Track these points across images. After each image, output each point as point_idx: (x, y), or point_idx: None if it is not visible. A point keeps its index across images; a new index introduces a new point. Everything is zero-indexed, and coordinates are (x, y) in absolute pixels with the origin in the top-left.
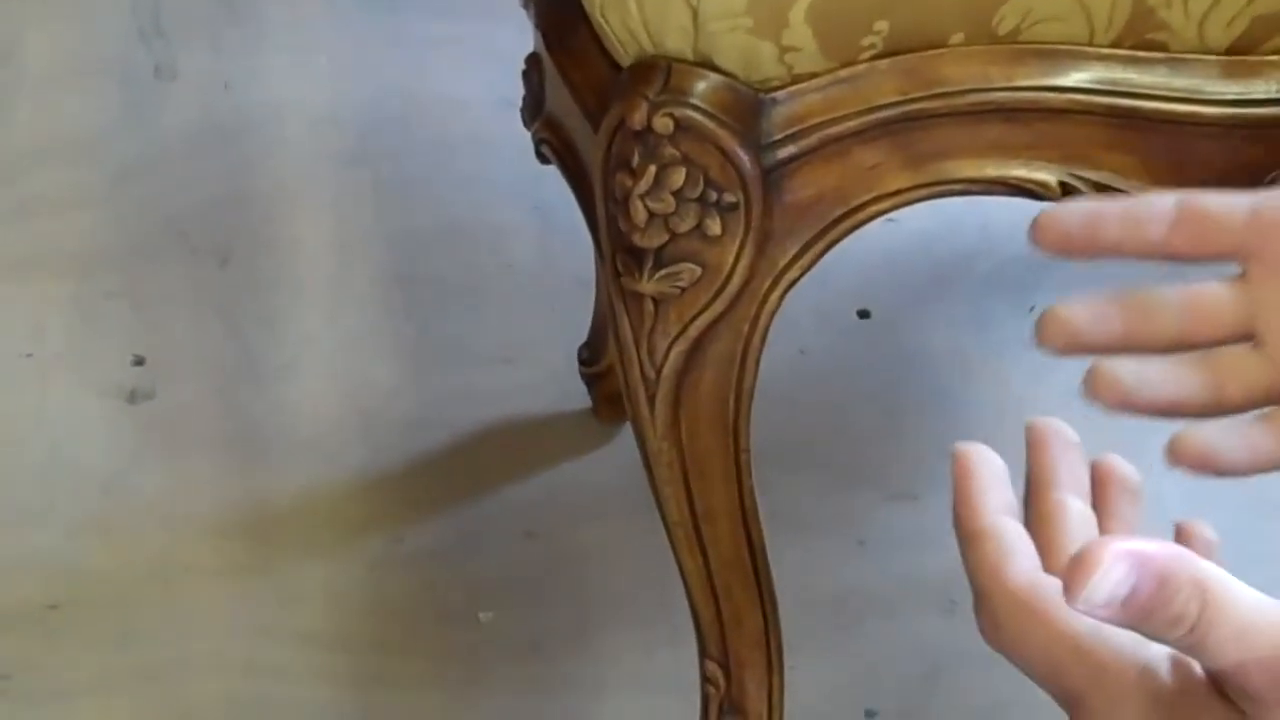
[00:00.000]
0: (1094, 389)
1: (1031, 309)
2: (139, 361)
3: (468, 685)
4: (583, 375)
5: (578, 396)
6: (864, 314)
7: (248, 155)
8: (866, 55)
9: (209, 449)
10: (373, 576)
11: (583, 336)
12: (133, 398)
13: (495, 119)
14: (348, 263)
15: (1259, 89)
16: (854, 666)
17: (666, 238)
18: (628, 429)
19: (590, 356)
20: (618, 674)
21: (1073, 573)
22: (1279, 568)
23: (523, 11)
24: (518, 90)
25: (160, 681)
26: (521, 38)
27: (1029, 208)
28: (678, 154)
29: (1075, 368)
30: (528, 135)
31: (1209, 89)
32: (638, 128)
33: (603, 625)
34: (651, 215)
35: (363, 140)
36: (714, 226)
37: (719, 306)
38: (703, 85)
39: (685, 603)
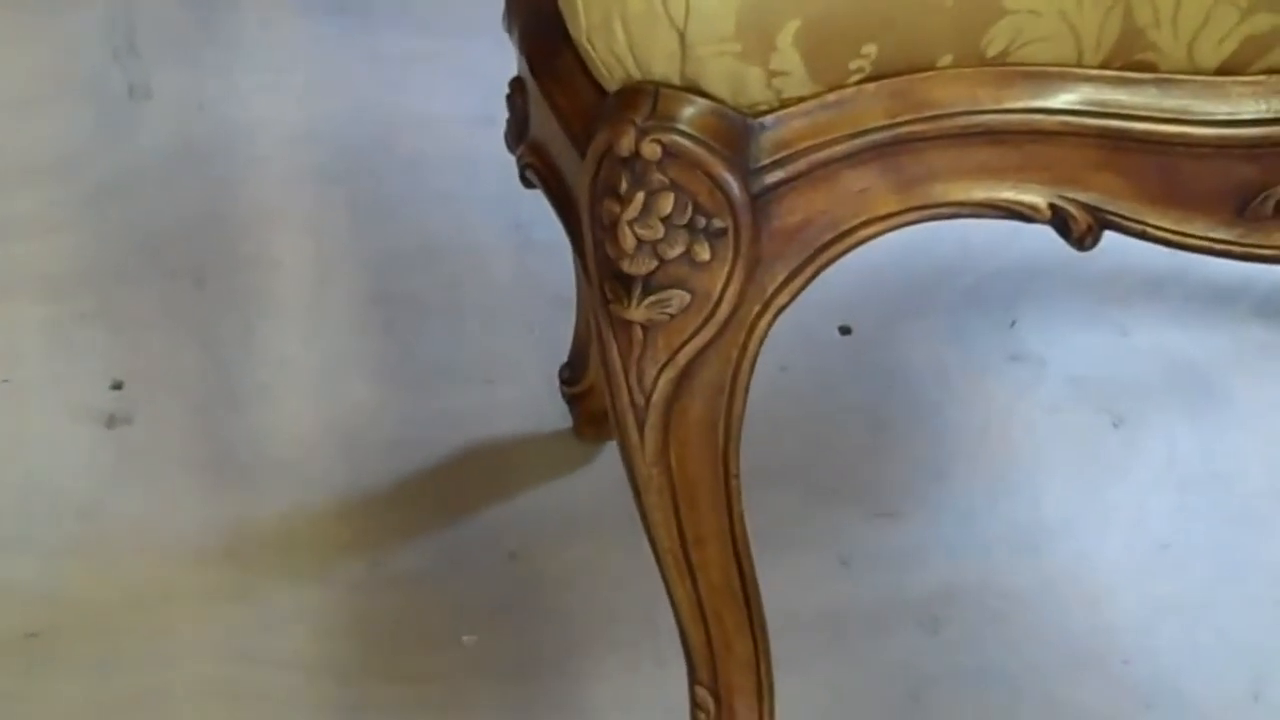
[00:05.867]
0: None
1: (1013, 323)
2: (117, 385)
3: (452, 709)
4: (564, 395)
5: (558, 416)
6: (845, 330)
7: (223, 175)
8: (855, 79)
9: (188, 472)
10: (354, 600)
11: (563, 355)
12: (111, 422)
13: (473, 136)
14: (325, 282)
15: (1249, 109)
16: (837, 685)
17: (655, 264)
18: (609, 448)
19: (571, 376)
20: (604, 695)
21: None
22: (1261, 581)
23: (499, 27)
24: (495, 107)
25: (142, 709)
26: (498, 54)
27: (1008, 223)
28: (666, 180)
29: (1056, 383)
30: (506, 152)
31: (1199, 109)
32: (625, 154)
33: (588, 646)
34: (640, 242)
35: (339, 159)
36: (703, 252)
37: (708, 333)
38: (690, 110)
39: (671, 622)
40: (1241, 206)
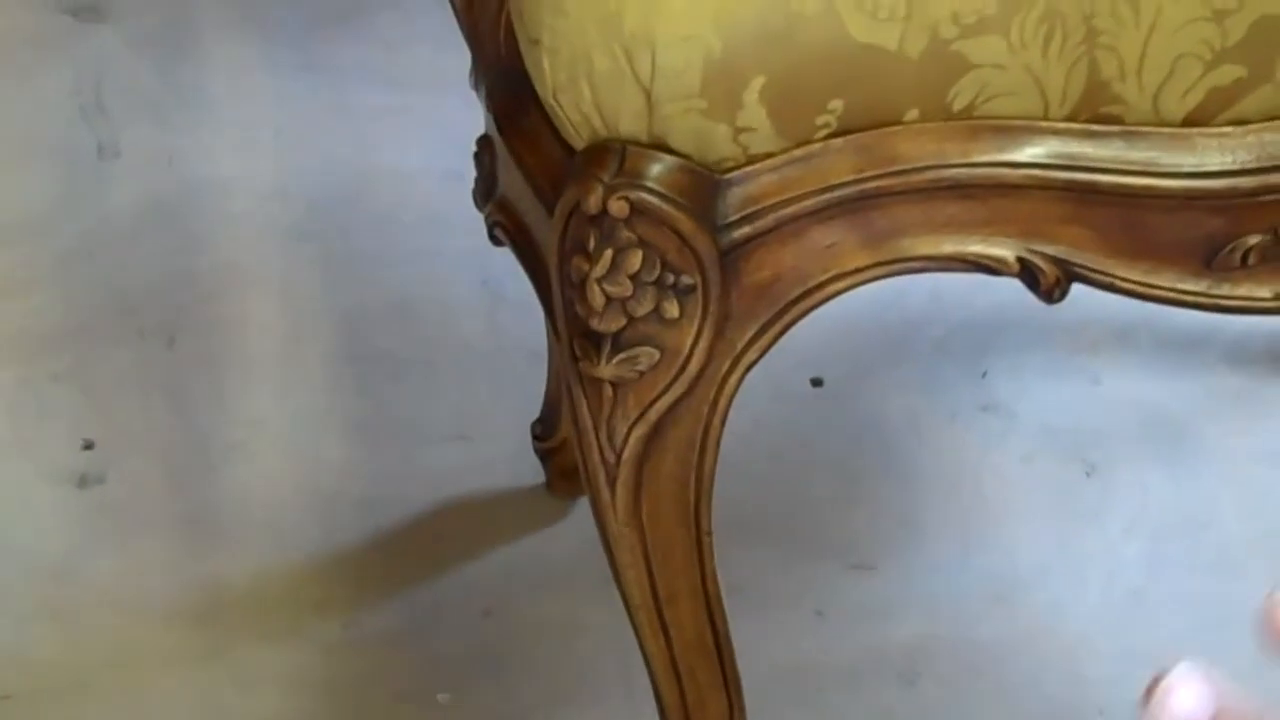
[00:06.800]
0: None
1: (984, 374)
2: (88, 445)
3: None
4: (536, 450)
5: (531, 472)
6: (817, 382)
7: (193, 233)
8: (821, 134)
9: (161, 533)
10: (329, 659)
11: (535, 411)
12: (82, 482)
13: (443, 192)
14: (297, 340)
15: (1215, 160)
16: None
17: (624, 322)
18: (583, 504)
19: (543, 432)
20: None
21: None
22: (1236, 629)
23: (467, 83)
24: (465, 162)
25: None
26: (468, 109)
27: (978, 274)
28: (634, 237)
29: (1028, 432)
30: (476, 208)
31: (1165, 161)
32: (593, 211)
33: (563, 703)
34: (609, 299)
35: (310, 215)
36: (672, 309)
37: (678, 390)
38: (658, 168)
39: (646, 677)
40: (1209, 258)
